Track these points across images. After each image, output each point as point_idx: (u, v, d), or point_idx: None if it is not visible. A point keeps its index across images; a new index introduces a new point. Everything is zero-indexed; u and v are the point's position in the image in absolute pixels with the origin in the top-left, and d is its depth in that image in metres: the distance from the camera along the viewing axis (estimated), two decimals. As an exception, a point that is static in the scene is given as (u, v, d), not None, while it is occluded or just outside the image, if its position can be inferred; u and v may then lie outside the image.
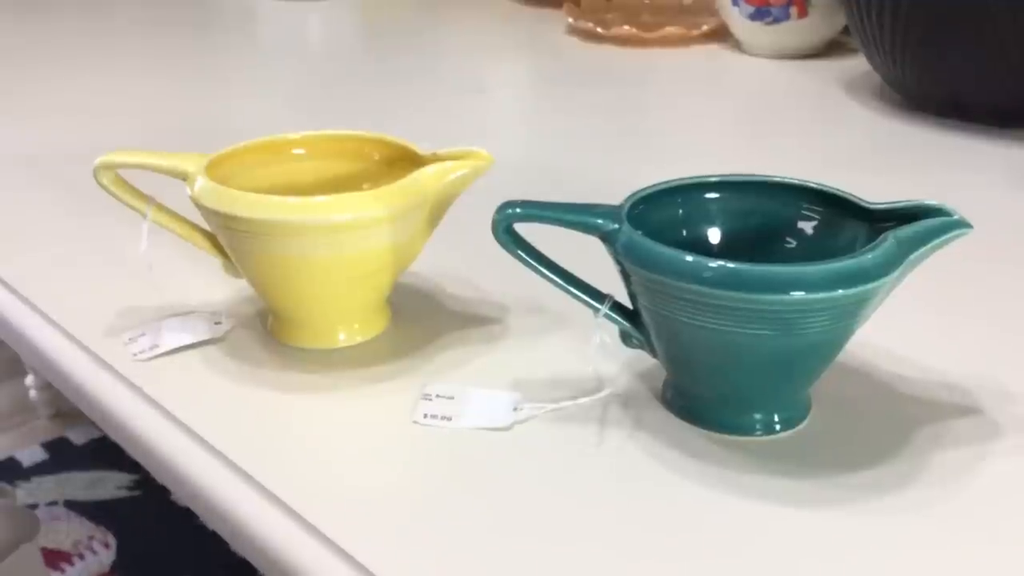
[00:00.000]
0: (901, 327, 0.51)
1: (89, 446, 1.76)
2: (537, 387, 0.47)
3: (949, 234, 0.40)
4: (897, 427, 0.44)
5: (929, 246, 0.40)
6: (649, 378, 0.47)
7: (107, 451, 1.73)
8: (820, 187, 0.45)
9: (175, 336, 0.50)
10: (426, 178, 0.47)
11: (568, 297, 0.54)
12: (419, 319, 0.53)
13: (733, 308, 0.38)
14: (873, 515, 0.39)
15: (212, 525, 0.43)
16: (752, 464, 0.41)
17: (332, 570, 0.37)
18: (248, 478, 0.41)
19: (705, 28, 1.07)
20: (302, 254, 0.45)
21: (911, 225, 0.40)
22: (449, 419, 0.44)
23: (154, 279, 0.56)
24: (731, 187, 0.46)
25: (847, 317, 0.39)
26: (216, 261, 0.53)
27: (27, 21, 1.24)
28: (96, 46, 1.12)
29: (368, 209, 0.45)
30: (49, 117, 0.88)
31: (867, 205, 0.43)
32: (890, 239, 0.40)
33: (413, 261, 0.51)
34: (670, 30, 1.06)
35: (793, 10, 0.98)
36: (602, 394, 0.46)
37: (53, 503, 1.62)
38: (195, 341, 0.50)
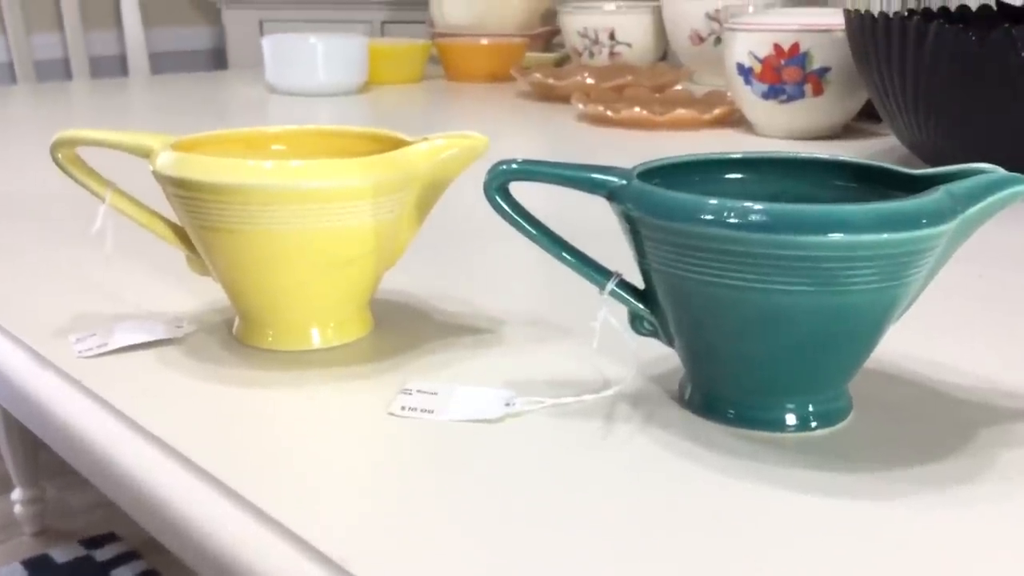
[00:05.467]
0: (948, 337, 0.45)
1: (70, 565, 1.67)
2: (533, 386, 0.41)
3: (1006, 191, 0.35)
4: (954, 428, 0.37)
5: (985, 203, 0.35)
6: (663, 380, 0.41)
7: (89, 570, 1.64)
8: (853, 160, 0.40)
9: (127, 336, 0.44)
10: (415, 155, 0.43)
11: (568, 310, 0.49)
12: (403, 326, 0.47)
13: (763, 256, 0.32)
14: (937, 509, 0.32)
15: (151, 525, 0.36)
16: (786, 458, 0.35)
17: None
18: (200, 471, 0.35)
19: (717, 112, 1.05)
20: (271, 229, 0.40)
21: (964, 180, 0.35)
22: (431, 412, 0.38)
23: (113, 289, 0.51)
24: (754, 165, 0.41)
25: (895, 275, 0.34)
26: (180, 255, 0.48)
27: (48, 103, 1.23)
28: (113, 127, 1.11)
29: (348, 177, 0.40)
30: (48, 179, 0.84)
31: (908, 172, 0.38)
32: (941, 190, 0.34)
33: (399, 256, 0.46)
34: (681, 112, 1.04)
35: (808, 87, 0.95)
36: (609, 392, 0.40)
37: (25, 622, 1.51)
38: (150, 340, 0.44)
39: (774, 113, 0.98)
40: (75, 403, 0.41)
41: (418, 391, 0.39)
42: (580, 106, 1.10)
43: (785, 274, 0.33)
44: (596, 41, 1.44)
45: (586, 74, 1.32)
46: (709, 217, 0.33)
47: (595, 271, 0.39)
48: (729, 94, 1.08)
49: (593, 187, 0.37)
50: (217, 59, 2.63)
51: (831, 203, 0.39)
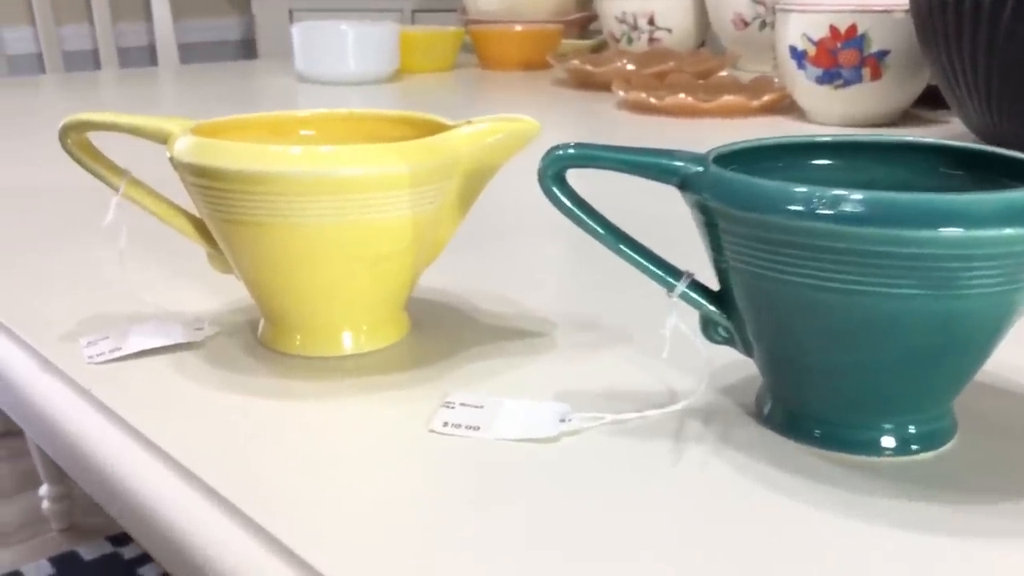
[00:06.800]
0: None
1: (98, 562, 1.65)
2: (590, 399, 0.36)
3: None
4: (1077, 451, 0.33)
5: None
6: (735, 392, 0.37)
7: (116, 567, 1.62)
8: (957, 144, 0.35)
9: (142, 339, 0.41)
10: (458, 139, 0.38)
11: (628, 312, 0.45)
12: (443, 329, 0.43)
13: (867, 254, 0.28)
14: (1070, 551, 0.27)
15: (155, 548, 0.32)
16: (882, 487, 0.31)
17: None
18: (214, 494, 0.31)
19: (766, 98, 1.00)
20: (299, 222, 0.36)
21: (1095, 166, 0.31)
22: (477, 429, 0.34)
23: (128, 288, 0.47)
24: (843, 150, 0.37)
25: (1017, 277, 0.29)
26: (201, 251, 0.43)
27: (74, 92, 1.20)
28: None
29: (384, 164, 0.36)
30: (64, 170, 0.81)
31: (1021, 157, 0.33)
32: (1071, 178, 0.30)
33: (439, 252, 0.42)
34: (728, 99, 0.99)
35: (866, 71, 0.90)
36: (676, 407, 0.35)
37: (53, 620, 1.49)
38: (166, 344, 0.40)
39: (829, 99, 0.93)
40: (82, 414, 0.37)
41: (461, 404, 0.35)
42: (621, 93, 1.05)
43: (891, 275, 0.28)
44: (635, 27, 1.39)
45: (625, 60, 1.27)
46: (802, 208, 0.28)
47: (664, 270, 0.34)
48: (777, 80, 1.03)
49: (662, 174, 0.33)
50: (247, 49, 2.60)
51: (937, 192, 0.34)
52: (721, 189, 0.30)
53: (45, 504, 1.70)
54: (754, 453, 0.33)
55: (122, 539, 1.69)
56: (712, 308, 0.34)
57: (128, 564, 1.64)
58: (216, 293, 0.47)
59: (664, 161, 0.32)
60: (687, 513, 0.29)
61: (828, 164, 0.36)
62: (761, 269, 0.30)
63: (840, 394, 0.32)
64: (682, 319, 0.34)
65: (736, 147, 0.35)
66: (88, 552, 1.67)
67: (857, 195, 0.28)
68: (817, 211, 0.28)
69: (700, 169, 0.32)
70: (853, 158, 0.36)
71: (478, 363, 0.39)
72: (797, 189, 0.28)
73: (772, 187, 0.29)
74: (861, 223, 0.27)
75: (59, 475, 1.68)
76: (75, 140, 0.41)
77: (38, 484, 1.71)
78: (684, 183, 0.32)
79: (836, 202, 0.28)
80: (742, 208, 0.29)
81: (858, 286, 0.28)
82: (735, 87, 1.09)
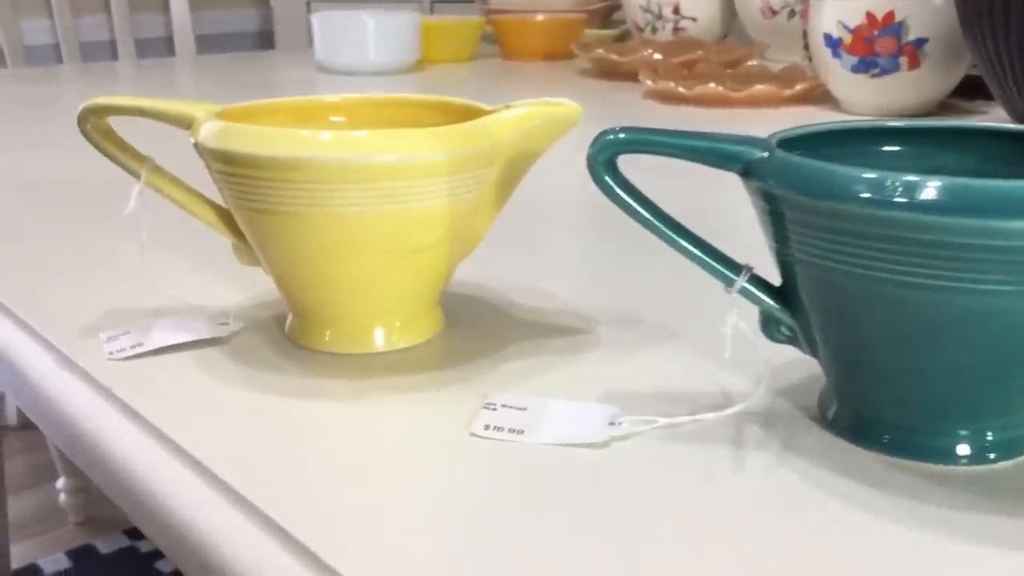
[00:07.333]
0: None
1: (115, 556, 1.64)
2: (639, 401, 0.34)
3: None
4: None
5: None
6: (794, 394, 0.34)
7: (133, 561, 1.62)
8: (1035, 130, 0.33)
9: (164, 335, 0.39)
10: (499, 125, 0.36)
11: (672, 308, 0.42)
12: (479, 325, 0.41)
13: (950, 246, 0.26)
14: None
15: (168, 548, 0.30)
16: (956, 497, 0.28)
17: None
18: (235, 494, 0.29)
19: (799, 88, 0.97)
20: (333, 212, 0.34)
21: None
22: (520, 432, 0.32)
23: (150, 281, 0.45)
24: (911, 136, 0.34)
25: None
26: (226, 243, 0.41)
27: (90, 82, 1.18)
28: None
29: (421, 149, 0.34)
30: (80, 161, 0.79)
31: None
32: None
33: (477, 244, 0.39)
34: (759, 88, 0.96)
35: (903, 60, 0.87)
36: (733, 410, 0.33)
37: (70, 614, 1.49)
38: (189, 340, 0.38)
39: (864, 88, 0.90)
40: (101, 412, 0.35)
41: (503, 406, 0.33)
42: (648, 83, 1.03)
43: (981, 269, 0.26)
44: (660, 16, 1.37)
45: (651, 50, 1.25)
46: (880, 196, 0.26)
47: (723, 264, 0.32)
48: (808, 69, 1.01)
49: (724, 160, 0.30)
50: (264, 41, 2.59)
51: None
52: (789, 175, 0.28)
53: (62, 497, 1.69)
54: (817, 460, 0.30)
55: (139, 533, 1.68)
56: (774, 304, 0.32)
57: (144, 557, 1.63)
58: (241, 286, 0.45)
59: (726, 146, 0.30)
60: (750, 524, 0.27)
61: (896, 151, 0.34)
62: (832, 262, 0.28)
63: (914, 398, 0.29)
64: (740, 318, 0.32)
65: (799, 132, 0.32)
66: (105, 545, 1.67)
67: (943, 182, 0.25)
68: (897, 199, 0.26)
69: (765, 154, 0.29)
70: (921, 144, 0.34)
71: (517, 361, 0.37)
72: (875, 175, 0.26)
73: (847, 173, 0.27)
74: (947, 212, 0.25)
75: (76, 468, 1.67)
76: (95, 125, 0.40)
77: (55, 477, 1.71)
78: (747, 169, 0.30)
79: (919, 189, 0.26)
80: (813, 196, 0.27)
81: (942, 281, 0.26)
82: (765, 76, 1.07)
